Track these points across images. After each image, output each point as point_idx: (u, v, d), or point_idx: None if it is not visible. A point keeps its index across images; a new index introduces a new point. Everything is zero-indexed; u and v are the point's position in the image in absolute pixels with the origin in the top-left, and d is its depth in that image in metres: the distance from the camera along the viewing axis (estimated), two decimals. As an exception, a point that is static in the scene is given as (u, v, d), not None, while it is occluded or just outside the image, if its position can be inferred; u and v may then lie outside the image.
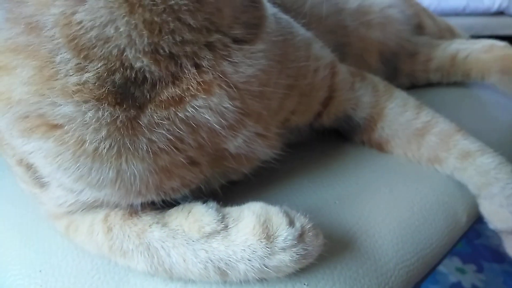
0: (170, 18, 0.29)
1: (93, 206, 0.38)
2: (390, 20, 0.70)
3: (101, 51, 0.28)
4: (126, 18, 0.28)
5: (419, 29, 0.76)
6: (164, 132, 0.32)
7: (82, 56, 0.28)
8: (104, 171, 0.32)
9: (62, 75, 0.28)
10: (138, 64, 0.30)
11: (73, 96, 0.29)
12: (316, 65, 0.47)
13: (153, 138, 0.32)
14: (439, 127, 0.50)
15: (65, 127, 0.30)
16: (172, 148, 0.33)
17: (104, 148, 0.30)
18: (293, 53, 0.42)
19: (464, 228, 0.50)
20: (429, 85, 0.76)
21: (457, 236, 0.50)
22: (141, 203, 0.37)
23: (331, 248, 0.39)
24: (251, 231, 0.34)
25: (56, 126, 0.30)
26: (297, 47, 0.43)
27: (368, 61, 0.68)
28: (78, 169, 0.32)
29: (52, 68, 0.28)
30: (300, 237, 0.34)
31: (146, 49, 0.29)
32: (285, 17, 0.44)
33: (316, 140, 0.54)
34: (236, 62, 0.33)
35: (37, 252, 0.41)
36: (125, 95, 0.30)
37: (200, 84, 0.32)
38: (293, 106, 0.45)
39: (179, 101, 0.32)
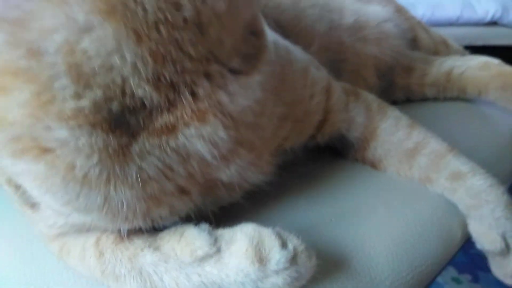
0: (173, 49, 0.29)
1: (83, 229, 0.38)
2: (386, 35, 0.71)
3: (103, 80, 0.28)
4: (133, 48, 0.28)
5: (415, 42, 0.77)
6: (154, 160, 0.32)
7: (81, 83, 0.28)
8: (92, 197, 0.31)
9: (59, 100, 0.28)
10: (140, 92, 0.30)
11: (68, 121, 0.29)
12: (312, 91, 0.47)
13: (143, 165, 0.32)
14: (430, 148, 0.51)
15: (57, 151, 0.29)
16: (162, 176, 0.33)
17: (93, 174, 0.30)
18: (290, 82, 0.42)
19: (459, 243, 0.50)
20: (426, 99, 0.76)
21: (453, 251, 0.49)
22: (129, 229, 0.36)
23: (327, 267, 0.39)
24: (244, 254, 0.34)
25: (48, 150, 0.29)
26: (294, 75, 0.43)
27: (364, 76, 0.69)
28: (66, 194, 0.31)
29: (50, 93, 0.28)
30: (293, 259, 0.34)
31: (150, 78, 0.29)
32: (283, 43, 0.44)
33: (309, 158, 0.53)
34: (232, 92, 0.33)
35: (34, 271, 0.40)
36: (119, 122, 0.30)
37: (194, 112, 0.32)
38: (287, 133, 0.45)
39: (171, 129, 0.32)
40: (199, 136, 0.32)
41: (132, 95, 0.29)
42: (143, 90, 0.29)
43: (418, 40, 0.78)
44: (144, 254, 0.36)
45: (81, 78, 0.28)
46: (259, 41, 0.38)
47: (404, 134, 0.52)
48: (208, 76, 0.32)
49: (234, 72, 0.34)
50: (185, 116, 0.32)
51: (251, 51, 0.36)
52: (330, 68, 0.52)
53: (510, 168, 0.64)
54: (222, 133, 0.33)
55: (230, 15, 0.32)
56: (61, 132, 0.29)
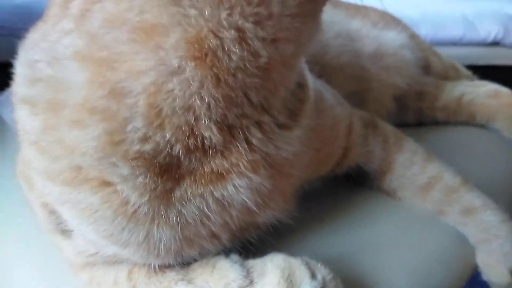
0: (241, 93, 0.31)
1: (112, 261, 0.39)
2: (405, 63, 0.72)
3: (179, 120, 0.30)
4: (211, 91, 0.29)
5: (427, 68, 0.78)
6: (193, 208, 0.33)
7: (155, 125, 0.29)
8: (135, 233, 0.33)
9: (128, 142, 0.30)
10: (207, 133, 0.31)
11: (131, 161, 0.30)
12: (337, 133, 0.48)
13: (183, 211, 0.33)
14: (444, 183, 0.52)
15: (118, 186, 0.31)
16: (199, 222, 0.34)
17: (142, 212, 0.32)
18: (322, 131, 0.44)
19: (475, 267, 0.51)
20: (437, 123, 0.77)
21: (469, 275, 0.51)
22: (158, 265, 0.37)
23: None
24: (276, 286, 0.35)
25: (109, 183, 0.31)
26: (326, 124, 0.45)
27: (385, 103, 0.70)
28: (112, 227, 0.32)
29: (122, 135, 0.30)
30: None
31: (218, 120, 0.31)
32: (317, 88, 0.45)
33: (327, 186, 0.54)
34: (277, 145, 0.35)
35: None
36: (169, 166, 0.32)
37: (250, 163, 0.33)
38: (308, 175, 0.46)
39: (220, 177, 0.33)
40: (248, 187, 0.34)
41: (197, 135, 0.31)
42: (210, 130, 0.31)
43: (430, 66, 0.79)
44: None
45: (157, 119, 0.29)
46: (303, 93, 0.39)
47: (418, 168, 0.53)
48: (260, 125, 0.33)
49: (280, 127, 0.35)
50: (241, 165, 0.33)
51: (296, 104, 0.38)
52: (354, 99, 0.53)
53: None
54: (267, 183, 0.34)
55: (292, 58, 0.33)
56: (125, 170, 0.30)
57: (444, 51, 0.90)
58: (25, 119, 0.33)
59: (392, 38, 0.73)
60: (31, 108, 0.32)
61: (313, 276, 0.35)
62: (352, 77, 0.65)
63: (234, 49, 0.28)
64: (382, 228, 0.50)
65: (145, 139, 0.30)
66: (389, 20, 0.77)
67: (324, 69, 0.49)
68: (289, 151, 0.36)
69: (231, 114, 0.31)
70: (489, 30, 1.55)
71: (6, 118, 0.64)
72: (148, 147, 0.30)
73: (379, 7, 0.81)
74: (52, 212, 0.37)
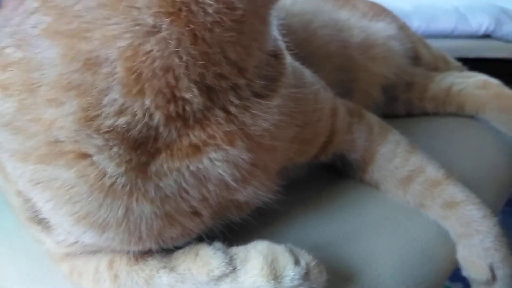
0: (218, 49, 0.30)
1: (92, 250, 0.38)
2: (393, 54, 0.72)
3: (159, 82, 0.29)
4: (188, 48, 0.29)
5: (416, 60, 0.78)
6: (171, 182, 0.33)
7: (134, 91, 0.29)
8: (113, 209, 0.32)
9: (102, 117, 0.30)
10: (188, 95, 0.31)
11: (104, 134, 0.30)
12: (321, 113, 0.48)
13: (160, 184, 0.33)
14: (425, 176, 0.52)
15: (94, 157, 0.31)
16: (177, 196, 0.34)
17: (119, 184, 0.31)
18: (304, 105, 0.43)
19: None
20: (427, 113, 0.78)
21: (455, 265, 0.51)
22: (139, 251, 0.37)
23: (337, 282, 0.40)
24: (259, 272, 0.35)
25: (85, 155, 0.31)
26: (307, 98, 0.44)
27: (372, 94, 0.70)
28: (89, 204, 0.32)
29: (97, 110, 0.29)
30: (306, 275, 0.35)
31: (197, 79, 0.31)
32: (297, 65, 0.45)
33: (313, 176, 0.54)
34: (255, 114, 0.34)
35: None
36: (145, 139, 0.31)
37: (226, 134, 0.33)
38: (293, 154, 0.46)
39: (196, 150, 0.32)
40: (224, 160, 0.33)
41: (178, 99, 0.31)
42: (190, 92, 0.31)
43: (420, 57, 0.79)
44: (160, 276, 0.36)
45: (137, 85, 0.29)
46: (280, 63, 0.39)
47: (400, 161, 0.53)
48: (236, 90, 0.33)
49: (256, 95, 0.35)
50: (217, 137, 0.32)
51: (272, 73, 0.37)
52: (341, 88, 0.53)
53: (507, 184, 0.66)
54: (245, 156, 0.34)
55: (263, 6, 0.33)
56: (99, 141, 0.30)
57: (436, 43, 0.91)
58: None
59: (381, 29, 0.73)
60: (3, 91, 0.31)
61: (296, 262, 0.36)
62: (339, 67, 0.65)
63: (208, 1, 0.28)
64: (367, 218, 0.50)
65: (120, 111, 0.30)
66: (378, 11, 0.76)
67: (310, 57, 0.49)
68: (268, 120, 0.35)
69: (209, 73, 0.31)
70: (480, 22, 1.56)
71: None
72: (122, 120, 0.30)
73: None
74: (27, 200, 0.36)
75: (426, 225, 0.51)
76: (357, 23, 0.70)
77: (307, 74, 0.47)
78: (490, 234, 0.48)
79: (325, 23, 0.66)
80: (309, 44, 0.60)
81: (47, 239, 0.39)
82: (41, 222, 0.37)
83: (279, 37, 0.41)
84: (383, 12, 0.77)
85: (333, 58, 0.63)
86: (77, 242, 0.37)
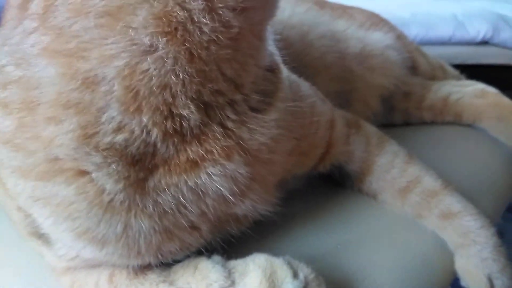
0: (214, 67, 0.31)
1: (94, 265, 0.38)
2: (391, 64, 0.73)
3: (156, 100, 0.30)
4: (185, 66, 0.29)
5: (414, 69, 0.79)
6: (168, 197, 0.33)
7: (131, 109, 0.30)
8: (112, 225, 0.32)
9: (100, 134, 0.30)
10: (185, 111, 0.31)
11: (102, 152, 0.30)
12: (318, 125, 0.48)
13: (159, 200, 0.33)
14: (423, 186, 0.52)
15: (93, 174, 0.31)
16: (176, 211, 0.34)
17: (118, 200, 0.32)
18: (301, 118, 0.43)
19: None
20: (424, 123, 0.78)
21: (453, 276, 0.51)
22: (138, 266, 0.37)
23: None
24: (258, 286, 0.35)
25: (84, 173, 0.31)
26: (304, 111, 0.45)
27: (370, 104, 0.70)
28: (88, 220, 0.32)
29: (95, 127, 0.30)
30: None
31: (194, 96, 0.31)
32: (294, 78, 0.45)
33: (310, 186, 0.54)
34: (252, 129, 0.35)
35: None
36: (143, 156, 0.32)
37: (224, 149, 0.33)
38: (291, 166, 0.46)
39: (194, 165, 0.33)
40: (222, 175, 0.34)
41: (175, 116, 0.31)
42: (187, 108, 0.31)
43: (417, 66, 0.79)
44: None
45: (134, 102, 0.29)
46: (276, 78, 0.39)
47: (398, 171, 0.53)
48: (233, 106, 0.34)
49: (253, 110, 0.35)
50: (215, 152, 0.33)
51: (268, 87, 0.38)
52: (340, 99, 0.54)
53: (504, 193, 0.66)
54: (243, 170, 0.34)
55: (260, 24, 0.34)
56: (97, 158, 0.31)
57: (434, 51, 0.91)
58: None
59: (378, 39, 0.73)
60: (3, 109, 0.32)
61: (295, 275, 0.36)
62: (337, 78, 0.65)
63: (204, 20, 0.28)
64: (365, 228, 0.51)
65: (118, 128, 0.30)
66: (376, 21, 0.77)
67: (307, 69, 0.49)
68: (265, 134, 0.36)
69: (206, 90, 0.31)
70: (478, 29, 1.56)
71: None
72: (120, 137, 0.30)
73: (370, 8, 0.81)
74: (28, 215, 0.37)
75: (425, 236, 0.51)
76: (354, 34, 0.71)
77: (304, 87, 0.48)
78: (488, 245, 0.48)
79: (321, 34, 0.67)
80: (306, 56, 0.61)
81: (47, 253, 0.40)
82: (42, 236, 0.38)
83: (275, 51, 0.41)
84: (380, 22, 0.78)
85: (330, 69, 0.64)
86: (78, 256, 0.37)
